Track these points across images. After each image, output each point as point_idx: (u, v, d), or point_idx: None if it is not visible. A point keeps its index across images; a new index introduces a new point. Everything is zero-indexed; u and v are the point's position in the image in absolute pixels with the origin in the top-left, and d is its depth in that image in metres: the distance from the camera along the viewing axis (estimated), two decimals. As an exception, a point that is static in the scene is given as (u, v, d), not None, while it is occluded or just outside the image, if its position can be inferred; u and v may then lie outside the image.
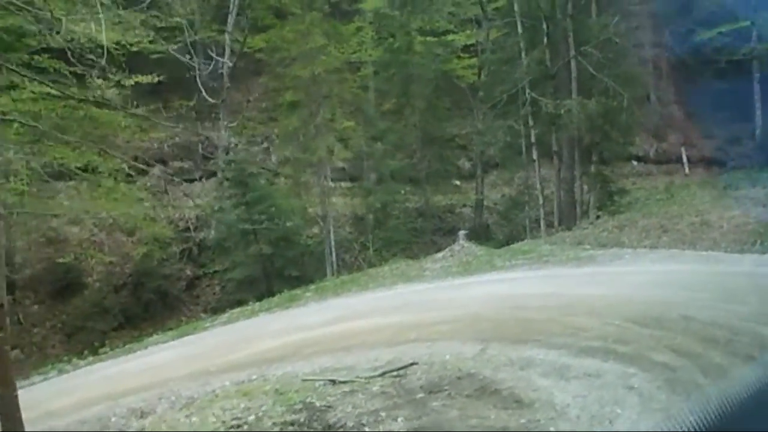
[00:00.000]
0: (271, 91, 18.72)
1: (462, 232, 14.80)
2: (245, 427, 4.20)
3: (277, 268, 15.30)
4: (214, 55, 18.69)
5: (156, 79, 15.71)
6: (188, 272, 19.02)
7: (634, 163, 26.47)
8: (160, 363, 9.70)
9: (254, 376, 7.33)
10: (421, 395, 4.39)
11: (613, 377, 4.21)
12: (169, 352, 10.52)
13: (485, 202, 21.37)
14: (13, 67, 13.89)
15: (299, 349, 8.19)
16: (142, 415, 6.90)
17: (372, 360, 6.92)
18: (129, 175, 21.39)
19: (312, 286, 13.65)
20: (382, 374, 5.94)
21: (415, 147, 19.01)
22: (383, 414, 3.93)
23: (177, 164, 23.38)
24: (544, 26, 15.74)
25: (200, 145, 22.60)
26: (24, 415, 7.74)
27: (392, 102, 21.02)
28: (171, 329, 13.77)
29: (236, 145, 18.94)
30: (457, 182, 23.55)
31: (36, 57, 15.96)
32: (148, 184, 23.45)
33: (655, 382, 3.99)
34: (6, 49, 16.12)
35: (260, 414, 4.47)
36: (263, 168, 17.98)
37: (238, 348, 9.26)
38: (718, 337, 5.03)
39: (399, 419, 3.78)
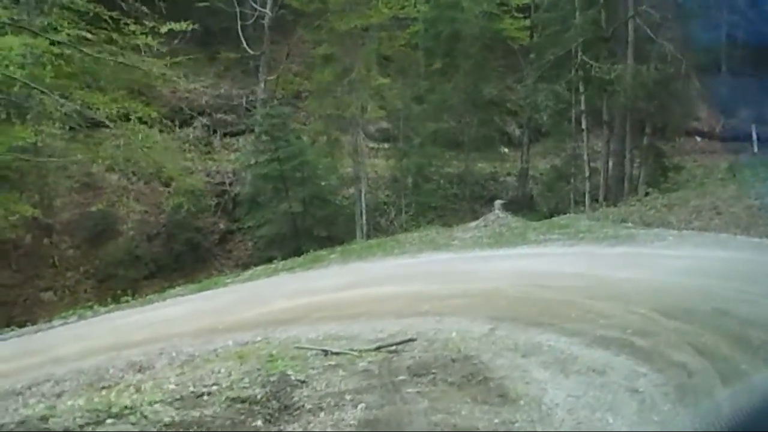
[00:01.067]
0: (307, 43, 18.27)
1: (498, 202, 14.21)
2: (194, 399, 3.92)
3: (307, 227, 15.10)
4: (256, 5, 18.31)
5: (190, 27, 15.37)
6: (221, 226, 19.08)
7: (697, 138, 25.04)
8: (173, 316, 9.66)
9: (258, 338, 7.20)
10: (402, 377, 4.03)
11: (619, 376, 3.74)
12: (185, 305, 10.49)
13: (531, 172, 20.56)
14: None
15: (308, 313, 8.00)
16: (140, 369, 6.81)
17: (377, 331, 6.63)
18: (170, 124, 21.70)
19: (338, 248, 13.40)
20: (377, 348, 5.63)
21: (461, 110, 18.24)
22: (348, 398, 3.59)
23: (220, 117, 23.38)
24: (601, -17, 14.67)
25: (244, 98, 22.45)
26: (31, 360, 7.91)
27: (439, 62, 20.26)
28: (198, 282, 13.82)
29: (273, 98, 18.60)
30: (505, 150, 22.74)
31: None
32: (191, 135, 23.57)
33: (664, 386, 3.50)
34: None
35: (224, 384, 4.19)
36: (301, 124, 17.62)
37: (251, 307, 9.13)
38: (752, 338, 4.46)
39: (360, 406, 3.43)
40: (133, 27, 14.91)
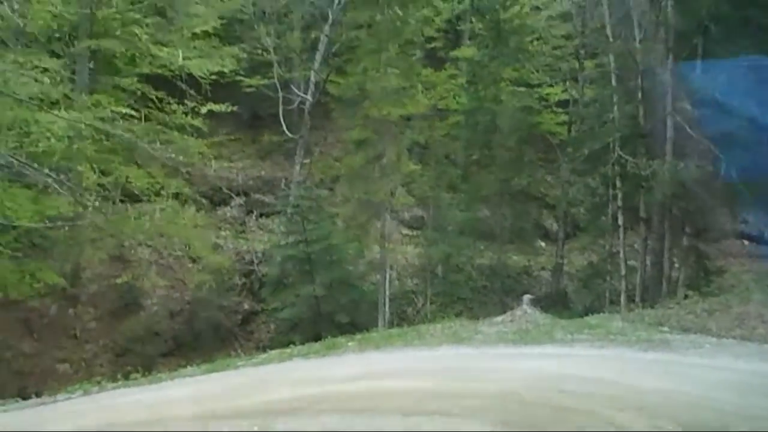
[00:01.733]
0: (342, 129, 18.66)
1: (527, 297, 13.68)
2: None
3: (329, 311, 14.76)
4: (299, 91, 18.93)
5: (230, 109, 15.88)
6: (246, 306, 18.91)
7: (744, 242, 24.13)
8: (176, 398, 9.29)
9: (255, 428, 6.82)
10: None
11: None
12: (191, 387, 10.12)
13: (566, 267, 19.99)
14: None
15: (312, 404, 7.59)
16: None
17: (378, 428, 6.20)
18: (205, 203, 22.13)
19: (358, 336, 12.98)
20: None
21: (496, 200, 18.09)
22: None
23: (257, 197, 23.77)
24: (639, 80, 14.61)
25: (283, 181, 22.84)
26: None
27: (477, 152, 20.36)
28: (211, 362, 13.49)
29: (305, 181, 18.82)
30: (541, 243, 22.30)
31: (124, 79, 16.81)
32: (228, 214, 23.95)
33: None
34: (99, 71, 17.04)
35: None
36: (331, 207, 17.68)
37: (255, 393, 8.74)
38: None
39: None
40: (174, 107, 15.51)
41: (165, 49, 15.66)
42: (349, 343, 12.28)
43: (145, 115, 16.63)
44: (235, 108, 16.94)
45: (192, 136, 18.17)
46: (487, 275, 18.32)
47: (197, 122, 18.50)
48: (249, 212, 23.81)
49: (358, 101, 16.41)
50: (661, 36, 15.03)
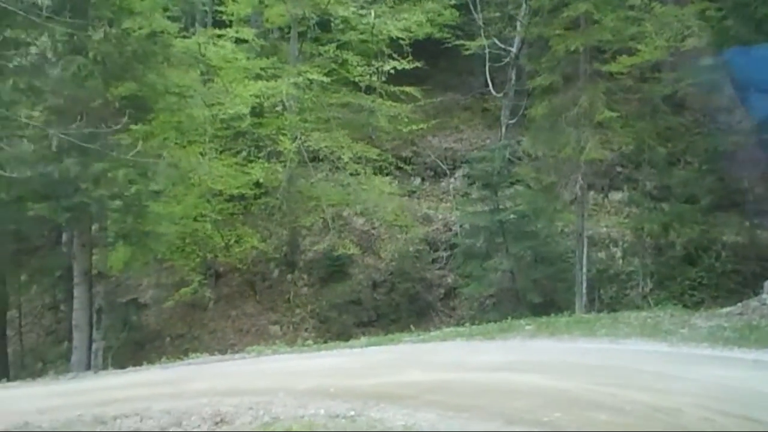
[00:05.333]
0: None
1: (771, 283, 10.66)
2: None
3: (520, 289, 13.38)
4: (502, 44, 17.54)
5: (413, 65, 15.23)
6: (449, 280, 18.29)
7: None
8: (314, 369, 9.19)
9: (351, 413, 6.43)
10: None
11: None
12: (338, 359, 9.95)
13: None
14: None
15: (424, 393, 6.89)
16: (220, 421, 6.49)
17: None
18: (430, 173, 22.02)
19: (543, 319, 11.52)
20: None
21: (740, 157, 14.46)
22: None
23: (482, 167, 22.91)
24: None
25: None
26: (152, 390, 8.09)
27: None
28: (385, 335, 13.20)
29: (507, 145, 17.35)
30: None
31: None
32: (451, 186, 23.54)
33: None
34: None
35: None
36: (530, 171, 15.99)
37: (383, 373, 8.23)
38: None
39: None
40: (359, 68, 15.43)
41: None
42: (527, 327, 10.99)
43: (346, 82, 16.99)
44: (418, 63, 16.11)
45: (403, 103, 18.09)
46: (732, 254, 14.81)
47: (411, 89, 18.35)
48: (472, 183, 23.08)
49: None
50: None
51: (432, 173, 22.24)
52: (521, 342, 9.60)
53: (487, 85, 18.66)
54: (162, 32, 13.97)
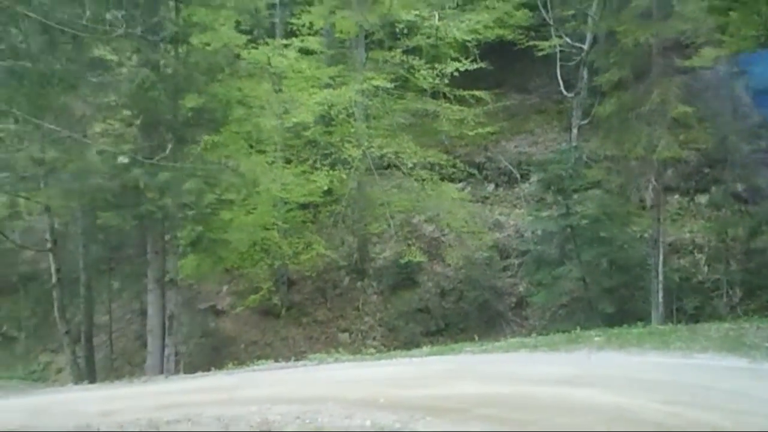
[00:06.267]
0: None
1: None
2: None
3: (592, 298, 12.76)
4: (573, 42, 16.92)
5: (475, 66, 14.95)
6: (521, 289, 17.76)
7: None
8: (370, 378, 9.10)
9: (396, 425, 6.30)
10: None
11: None
12: (396, 368, 9.80)
13: None
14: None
15: (475, 406, 6.73)
16: (268, 429, 6.55)
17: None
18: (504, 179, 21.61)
19: (614, 330, 10.95)
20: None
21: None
22: None
23: (557, 171, 22.27)
24: None
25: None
26: (209, 396, 8.23)
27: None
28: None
29: (575, 147, 16.67)
30: None
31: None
32: (525, 191, 23.00)
33: None
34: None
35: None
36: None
37: (437, 383, 8.08)
38: None
39: None
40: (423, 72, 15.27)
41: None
42: (596, 338, 10.47)
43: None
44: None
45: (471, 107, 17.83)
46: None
47: (481, 93, 18.05)
48: (545, 188, 22.42)
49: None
50: None
51: (506, 178, 21.80)
52: (587, 354, 9.10)
53: (560, 86, 18.05)
54: (227, 45, 14.29)
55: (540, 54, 18.68)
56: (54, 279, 16.64)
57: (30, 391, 13.50)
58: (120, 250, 18.45)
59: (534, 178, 21.75)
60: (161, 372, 14.31)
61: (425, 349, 12.00)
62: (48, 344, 21.29)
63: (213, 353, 19.06)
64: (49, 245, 16.74)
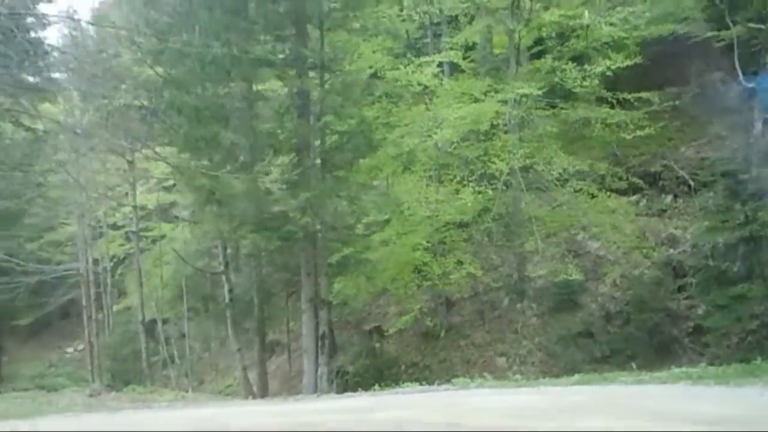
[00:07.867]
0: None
1: None
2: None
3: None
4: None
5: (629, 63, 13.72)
6: (699, 311, 15.73)
7: None
8: (498, 406, 8.51)
9: None
10: None
11: None
12: (534, 397, 9.04)
13: None
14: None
15: None
16: None
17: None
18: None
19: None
20: None
21: None
22: None
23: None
24: None
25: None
26: (352, 417, 8.29)
27: None
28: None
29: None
30: None
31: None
32: (709, 201, 20.84)
33: None
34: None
35: None
36: None
37: (567, 417, 7.24)
38: None
39: None
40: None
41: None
42: (771, 371, 8.81)
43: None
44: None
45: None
46: None
47: (647, 95, 16.69)
48: (730, 197, 20.02)
49: None
50: None
51: (686, 188, 19.82)
52: (761, 391, 7.69)
53: (738, 77, 15.94)
54: (372, 68, 14.53)
55: (720, 44, 16.75)
56: (227, 299, 17.98)
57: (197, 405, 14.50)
58: (287, 272, 19.39)
59: (719, 186, 19.54)
60: (315, 391, 14.72)
61: (575, 377, 11.00)
62: (231, 361, 22.96)
63: (377, 374, 19.25)
64: (221, 268, 18.17)
